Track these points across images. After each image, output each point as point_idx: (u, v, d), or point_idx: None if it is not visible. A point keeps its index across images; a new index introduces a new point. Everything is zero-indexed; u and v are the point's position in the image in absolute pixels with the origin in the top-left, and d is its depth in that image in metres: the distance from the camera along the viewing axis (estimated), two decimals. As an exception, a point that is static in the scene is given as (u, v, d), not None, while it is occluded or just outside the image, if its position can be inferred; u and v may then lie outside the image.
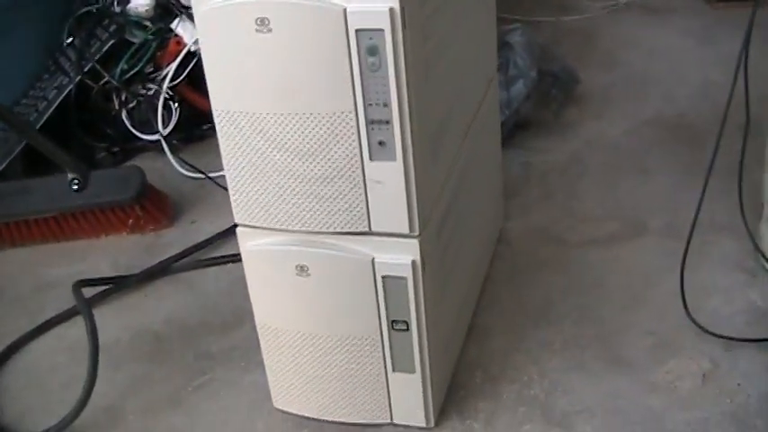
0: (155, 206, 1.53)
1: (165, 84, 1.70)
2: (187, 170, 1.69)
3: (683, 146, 1.63)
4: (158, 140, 1.73)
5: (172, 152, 1.73)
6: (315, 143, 0.84)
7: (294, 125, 0.83)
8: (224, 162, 0.90)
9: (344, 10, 0.77)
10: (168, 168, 1.71)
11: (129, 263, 1.46)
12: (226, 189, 1.54)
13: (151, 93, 1.71)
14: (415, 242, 0.88)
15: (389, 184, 0.85)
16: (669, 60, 2.01)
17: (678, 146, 1.63)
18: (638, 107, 1.80)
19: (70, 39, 1.80)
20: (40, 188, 1.54)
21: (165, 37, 1.73)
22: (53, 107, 1.70)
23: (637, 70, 1.98)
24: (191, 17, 1.70)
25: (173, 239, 1.51)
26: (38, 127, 1.68)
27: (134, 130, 1.74)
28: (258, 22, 0.79)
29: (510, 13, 2.18)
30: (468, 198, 1.12)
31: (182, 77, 1.72)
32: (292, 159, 0.85)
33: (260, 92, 0.83)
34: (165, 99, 1.70)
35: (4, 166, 1.67)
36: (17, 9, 1.78)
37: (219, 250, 1.45)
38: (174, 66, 1.70)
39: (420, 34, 0.83)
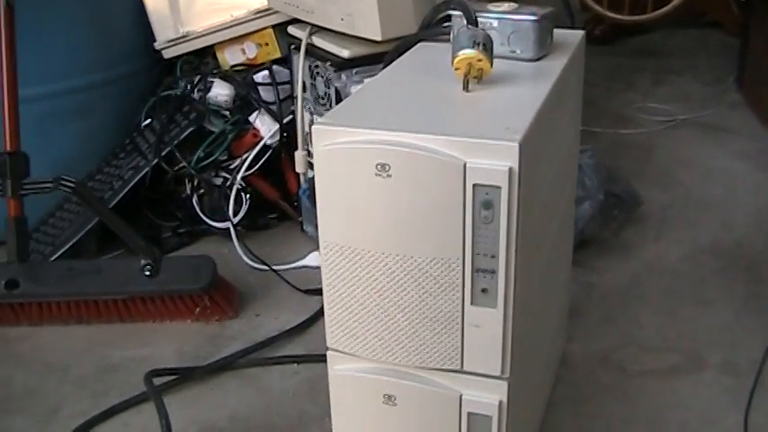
0: (223, 298, 1.56)
1: (240, 174, 1.75)
2: (252, 260, 1.72)
3: (741, 278, 1.65)
4: (225, 227, 1.77)
5: (237, 239, 1.76)
6: (418, 285, 0.87)
7: (401, 266, 0.87)
8: (324, 288, 0.93)
9: (465, 164, 0.81)
10: (233, 256, 1.75)
11: (194, 352, 1.49)
12: (290, 284, 1.62)
13: (227, 184, 1.76)
14: (504, 383, 0.91)
15: (487, 328, 0.88)
16: (725, 184, 2.04)
17: (735, 277, 1.65)
18: (695, 232, 1.82)
19: (148, 120, 1.85)
20: (111, 269, 1.58)
21: (242, 128, 1.79)
22: (128, 187, 1.75)
23: (693, 192, 2.01)
24: (269, 111, 1.76)
25: (237, 332, 1.54)
26: (112, 205, 1.73)
27: (203, 216, 1.78)
28: (379, 167, 0.83)
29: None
30: (546, 327, 1.15)
31: (255, 168, 1.76)
32: (393, 297, 0.88)
33: (371, 231, 0.86)
34: (238, 190, 1.75)
35: (75, 240, 1.71)
36: (99, 87, 1.85)
37: (284, 348, 1.48)
38: (249, 157, 1.75)
39: (532, 190, 0.87)
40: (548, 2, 1.49)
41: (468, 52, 0.93)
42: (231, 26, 1.84)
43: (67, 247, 1.71)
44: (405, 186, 0.83)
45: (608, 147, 2.23)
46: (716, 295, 1.60)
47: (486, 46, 0.93)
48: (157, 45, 1.91)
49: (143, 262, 1.53)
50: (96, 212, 1.60)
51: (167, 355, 1.49)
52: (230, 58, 1.89)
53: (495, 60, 1.00)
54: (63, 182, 1.49)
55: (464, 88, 0.94)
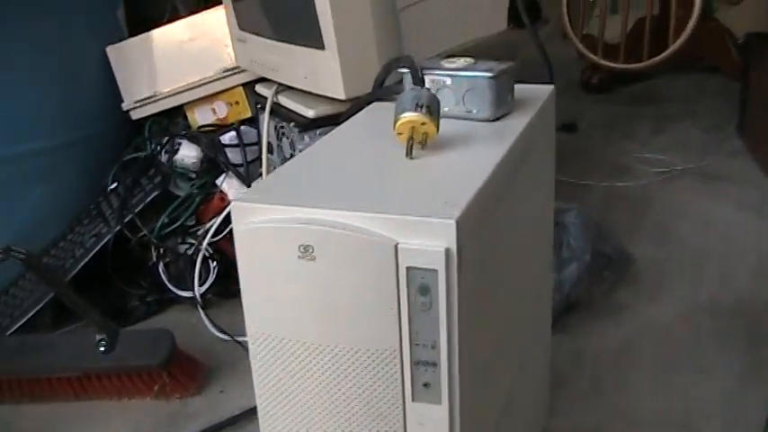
0: (183, 373, 1.46)
1: (206, 241, 1.65)
2: (219, 332, 1.63)
3: (741, 340, 1.54)
4: (192, 296, 1.68)
5: (207, 307, 1.67)
6: (354, 379, 0.77)
7: (333, 358, 0.77)
8: (254, 382, 0.83)
9: (396, 245, 0.71)
10: (201, 326, 1.66)
11: (151, 432, 1.40)
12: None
13: (190, 251, 1.67)
14: (457, 488, 0.80)
15: (432, 427, 0.78)
16: (724, 236, 1.94)
17: (736, 340, 1.54)
18: (692, 290, 1.71)
19: (114, 184, 1.77)
20: (65, 344, 1.49)
21: (209, 192, 1.70)
22: (90, 256, 1.66)
23: (691, 246, 1.91)
24: (237, 174, 1.67)
25: (198, 410, 1.44)
26: (72, 274, 1.65)
27: (169, 284, 1.69)
28: (301, 249, 0.74)
29: (563, 175, 2.13)
30: (513, 414, 1.05)
31: (223, 234, 1.67)
32: (328, 393, 0.79)
33: (299, 320, 0.77)
34: (205, 257, 1.66)
35: (33, 312, 1.63)
36: (63, 149, 1.77)
37: (246, 429, 1.38)
38: (216, 222, 1.66)
39: (477, 271, 0.77)
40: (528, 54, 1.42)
41: (410, 115, 0.84)
42: (200, 85, 1.77)
43: (25, 319, 1.62)
44: (331, 270, 0.74)
45: (602, 200, 2.14)
46: (714, 361, 1.48)
47: (431, 107, 0.85)
48: (125, 106, 1.83)
49: (98, 337, 1.44)
50: (48, 284, 1.51)
51: (123, 437, 1.39)
52: (200, 117, 1.81)
53: (450, 122, 0.92)
54: (12, 252, 1.39)
55: (407, 155, 0.84)
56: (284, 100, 1.53)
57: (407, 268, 0.72)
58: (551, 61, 1.74)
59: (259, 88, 1.63)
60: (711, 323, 1.60)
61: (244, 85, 1.75)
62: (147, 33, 1.82)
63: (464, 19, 1.50)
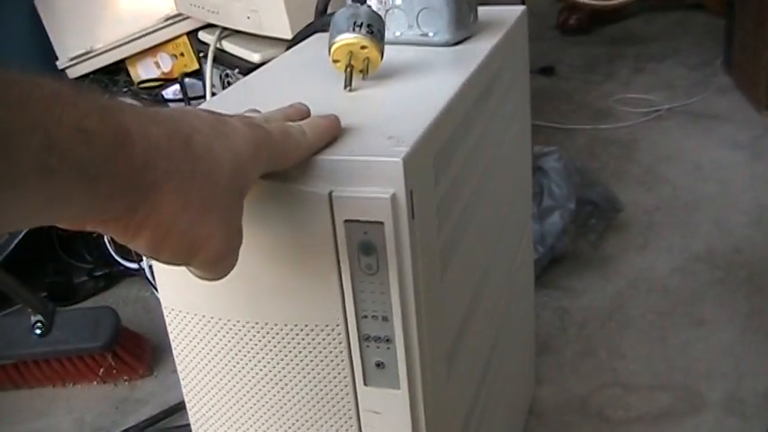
0: (130, 354, 1.32)
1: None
2: (173, 305, 1.48)
3: (741, 290, 1.41)
4: (142, 268, 1.53)
5: (152, 280, 1.53)
6: (290, 363, 0.63)
7: (264, 338, 0.63)
8: (178, 368, 0.69)
9: (330, 194, 0.57)
10: (153, 300, 1.51)
11: (96, 422, 1.26)
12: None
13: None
14: (424, 485, 0.66)
15: (390, 415, 0.63)
16: (718, 179, 1.80)
17: (735, 290, 1.41)
18: (685, 238, 1.58)
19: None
20: (-1, 329, 1.34)
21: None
22: (24, 231, 1.51)
23: (682, 191, 1.77)
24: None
25: (149, 394, 1.30)
26: (9, 251, 1.50)
27: (117, 257, 1.54)
28: (217, 205, 0.59)
29: (542, 120, 2.00)
30: (496, 381, 0.91)
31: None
32: (261, 380, 0.65)
33: (219, 293, 0.62)
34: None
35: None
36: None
37: (199, 414, 1.24)
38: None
39: (435, 220, 0.63)
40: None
41: (346, 37, 0.69)
42: (140, 37, 1.61)
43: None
44: (253, 228, 0.59)
45: (585, 145, 2.00)
46: (714, 314, 1.35)
47: (372, 27, 0.69)
48: (60, 64, 1.67)
49: (33, 319, 1.29)
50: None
51: (65, 428, 1.25)
52: (144, 72, 1.65)
53: (402, 49, 0.77)
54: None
55: (346, 86, 0.69)
56: (228, 46, 1.38)
57: (346, 222, 0.57)
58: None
59: (202, 35, 1.48)
60: (708, 273, 1.47)
61: (188, 33, 1.58)
62: (78, -18, 1.66)
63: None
